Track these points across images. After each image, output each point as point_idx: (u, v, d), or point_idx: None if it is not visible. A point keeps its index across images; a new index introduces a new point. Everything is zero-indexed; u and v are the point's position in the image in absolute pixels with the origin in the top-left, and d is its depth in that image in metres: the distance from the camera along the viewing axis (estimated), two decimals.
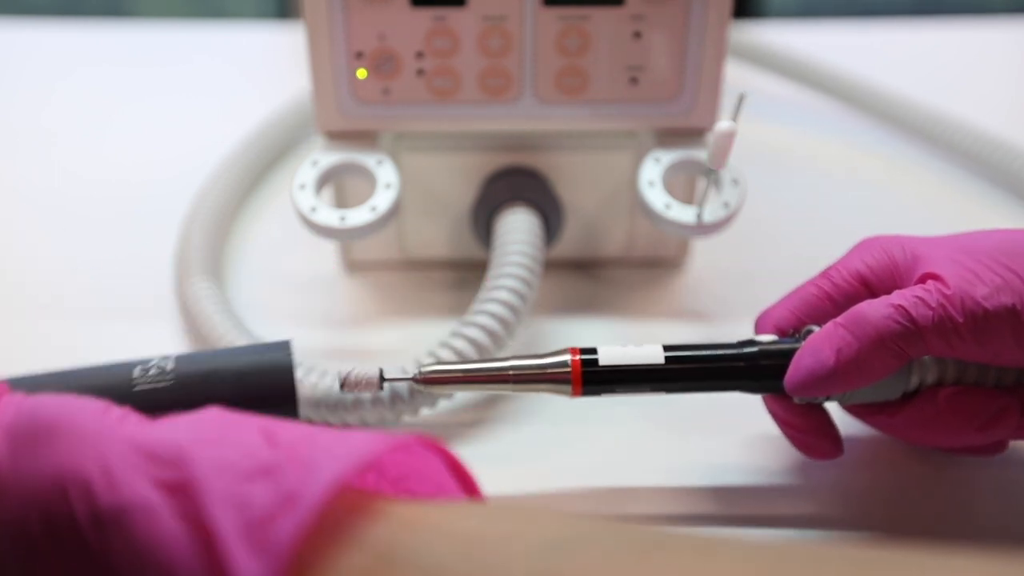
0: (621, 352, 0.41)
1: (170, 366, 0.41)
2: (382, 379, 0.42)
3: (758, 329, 0.44)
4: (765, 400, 0.43)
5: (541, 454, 0.48)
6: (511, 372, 0.41)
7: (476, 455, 0.48)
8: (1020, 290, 0.37)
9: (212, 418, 0.32)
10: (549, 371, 0.41)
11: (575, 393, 0.41)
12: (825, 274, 0.43)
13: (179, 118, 0.76)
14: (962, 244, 0.40)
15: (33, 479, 0.30)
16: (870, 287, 0.42)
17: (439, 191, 0.56)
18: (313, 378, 0.48)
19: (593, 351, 0.41)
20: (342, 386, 0.42)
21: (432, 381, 0.42)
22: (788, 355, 0.41)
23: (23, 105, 0.78)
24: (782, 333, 0.43)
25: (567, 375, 0.41)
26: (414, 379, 0.42)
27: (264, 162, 0.68)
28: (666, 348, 0.42)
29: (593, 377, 0.41)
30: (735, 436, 0.48)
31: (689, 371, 0.41)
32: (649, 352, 0.41)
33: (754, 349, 0.41)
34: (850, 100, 0.74)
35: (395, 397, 0.47)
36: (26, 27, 0.89)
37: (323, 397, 0.47)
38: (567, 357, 0.41)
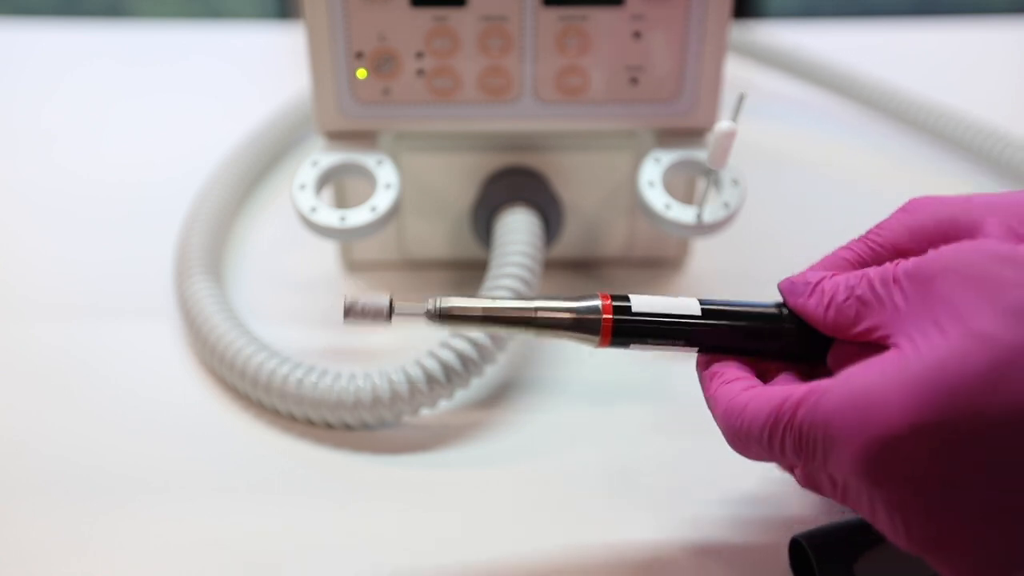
0: (655, 301, 0.38)
1: None
2: (391, 311, 0.37)
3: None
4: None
5: (542, 454, 0.48)
6: (537, 313, 0.38)
7: (476, 455, 0.48)
8: None
9: None
10: (579, 315, 0.38)
11: (603, 343, 0.38)
12: (863, 238, 0.39)
13: (179, 118, 0.76)
14: None
15: None
16: (909, 255, 0.37)
17: (439, 191, 0.56)
18: (313, 378, 0.48)
19: (625, 298, 0.38)
20: (346, 314, 0.37)
21: (449, 317, 0.38)
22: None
23: (23, 105, 0.78)
24: None
25: (596, 322, 0.38)
26: (428, 314, 0.38)
27: (264, 162, 0.68)
28: (702, 302, 0.39)
29: (624, 327, 0.38)
30: None
31: (726, 327, 0.38)
32: (684, 303, 0.38)
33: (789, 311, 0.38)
34: (852, 96, 0.74)
35: (395, 396, 0.47)
36: (26, 27, 0.89)
37: (323, 397, 0.47)
38: (597, 302, 0.38)
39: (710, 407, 0.38)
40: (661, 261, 0.59)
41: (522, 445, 0.49)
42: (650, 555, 0.43)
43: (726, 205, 0.50)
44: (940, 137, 0.69)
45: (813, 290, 0.37)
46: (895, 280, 0.33)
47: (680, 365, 0.52)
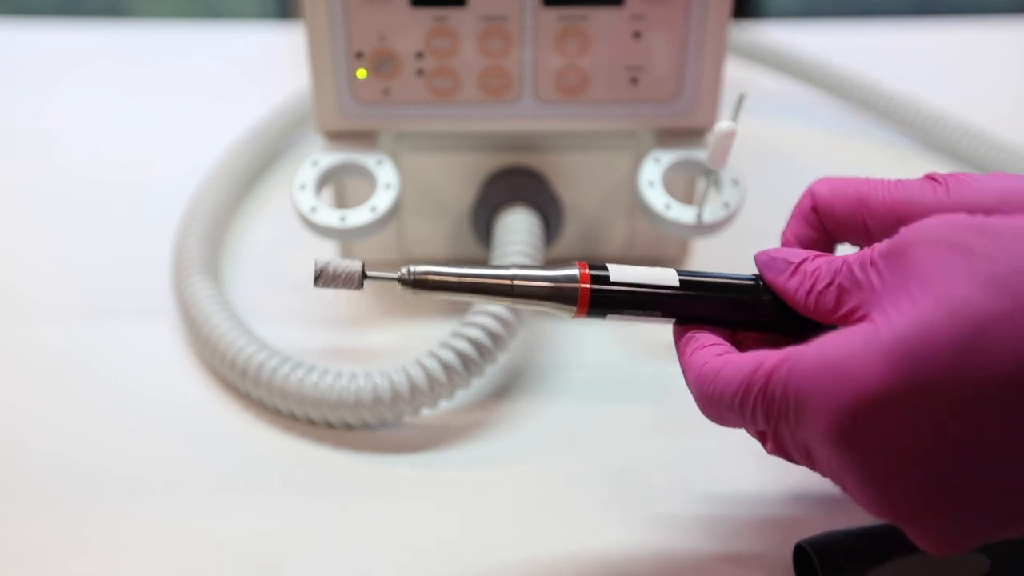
0: (633, 271, 0.38)
1: None
2: (363, 275, 0.37)
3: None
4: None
5: (542, 454, 0.48)
6: (514, 282, 0.37)
7: (476, 455, 0.48)
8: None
9: None
10: (556, 284, 0.37)
11: (580, 312, 0.38)
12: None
13: (179, 118, 0.76)
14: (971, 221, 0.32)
15: None
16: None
17: (439, 191, 0.56)
18: (314, 377, 0.48)
19: (603, 267, 0.38)
20: (317, 278, 0.36)
21: (423, 284, 0.37)
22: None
23: (23, 105, 0.78)
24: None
25: (574, 291, 0.37)
26: (401, 279, 0.37)
27: (262, 161, 0.68)
28: (680, 272, 0.38)
29: (601, 297, 0.37)
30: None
31: (704, 298, 0.38)
32: (662, 274, 0.38)
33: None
34: (850, 98, 0.74)
35: (396, 396, 0.47)
36: (26, 27, 0.89)
37: (323, 397, 0.47)
38: (575, 271, 0.38)
39: (684, 373, 0.37)
40: (661, 261, 0.59)
41: (522, 445, 0.49)
42: (650, 556, 0.43)
43: (726, 205, 0.50)
44: (935, 140, 0.70)
45: (794, 271, 0.37)
46: (872, 262, 0.33)
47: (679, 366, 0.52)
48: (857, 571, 0.39)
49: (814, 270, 0.36)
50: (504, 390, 0.52)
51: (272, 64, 0.82)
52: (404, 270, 0.37)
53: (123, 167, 0.69)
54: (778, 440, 0.35)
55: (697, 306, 0.38)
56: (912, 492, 0.31)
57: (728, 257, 0.59)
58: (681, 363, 0.38)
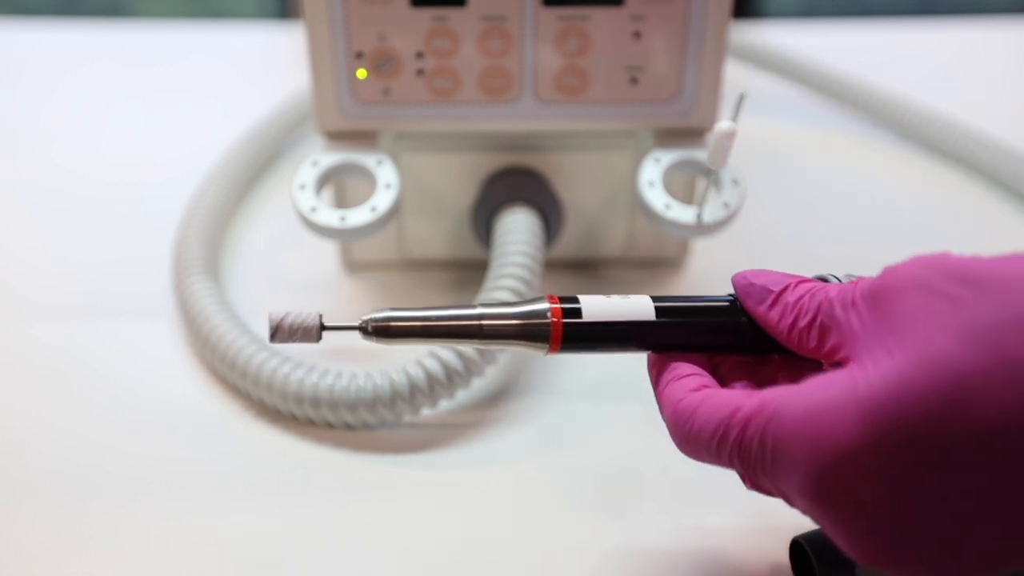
0: (606, 305, 0.36)
1: None
2: (321, 327, 0.35)
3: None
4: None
5: (542, 454, 0.48)
6: (482, 325, 0.36)
7: (476, 455, 0.48)
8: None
9: None
10: (525, 322, 0.36)
11: (552, 350, 0.36)
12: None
13: (179, 118, 0.76)
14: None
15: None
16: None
17: (439, 191, 0.56)
18: (314, 377, 0.48)
19: (574, 300, 0.36)
20: (273, 334, 0.35)
21: (385, 332, 0.35)
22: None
23: (23, 105, 0.78)
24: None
25: (545, 328, 0.36)
26: (362, 328, 0.35)
27: (262, 161, 0.68)
28: (655, 299, 0.37)
29: (575, 334, 0.36)
30: None
31: (681, 327, 0.37)
32: (637, 305, 0.37)
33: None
34: (849, 102, 0.74)
35: (396, 396, 0.47)
36: (26, 27, 0.89)
37: (324, 397, 0.47)
38: (545, 306, 0.36)
39: (659, 405, 0.37)
40: (661, 261, 0.59)
41: (522, 445, 0.49)
42: (650, 555, 0.43)
43: (726, 205, 0.50)
44: (932, 144, 0.70)
45: (775, 301, 0.36)
46: (853, 303, 0.33)
47: None
48: (851, 561, 0.39)
49: (796, 302, 0.35)
50: (504, 390, 0.52)
51: (272, 64, 0.82)
52: (365, 319, 0.36)
53: (123, 167, 0.69)
54: (755, 482, 0.34)
55: (674, 335, 0.37)
56: (890, 542, 0.30)
57: (728, 257, 0.59)
58: (656, 395, 0.37)
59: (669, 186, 0.51)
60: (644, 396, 0.51)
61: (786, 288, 0.36)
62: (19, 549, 0.43)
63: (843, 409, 0.30)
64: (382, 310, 0.36)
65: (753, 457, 0.32)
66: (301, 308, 0.35)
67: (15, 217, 0.65)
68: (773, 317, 0.36)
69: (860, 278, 0.34)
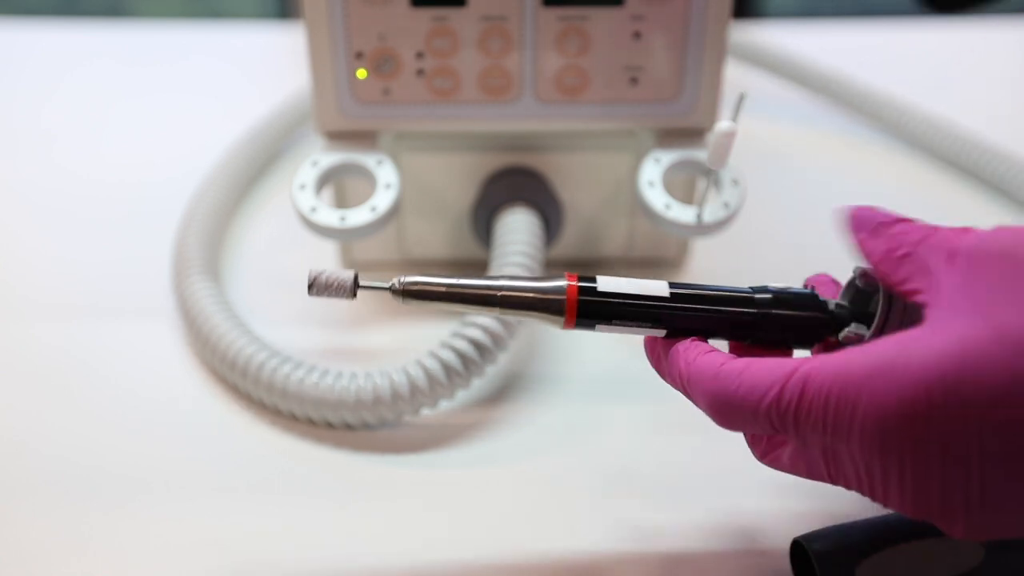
0: (624, 282, 0.38)
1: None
2: (356, 285, 0.37)
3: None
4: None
5: (542, 454, 0.48)
6: (500, 293, 0.37)
7: (476, 455, 0.48)
8: None
9: None
10: (543, 295, 0.37)
11: (568, 323, 0.38)
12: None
13: (179, 118, 0.76)
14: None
15: None
16: None
17: (439, 191, 0.56)
18: (315, 377, 0.48)
19: (592, 279, 0.38)
20: (311, 287, 0.37)
21: (412, 294, 0.37)
22: (805, 304, 0.38)
23: (23, 105, 0.78)
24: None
25: (561, 302, 0.37)
26: (392, 289, 0.37)
27: (262, 161, 0.68)
28: (672, 285, 0.38)
29: (589, 308, 0.37)
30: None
31: (697, 311, 0.38)
32: (653, 285, 0.38)
33: (767, 295, 0.38)
34: (848, 104, 0.74)
35: (396, 396, 0.47)
36: (26, 27, 0.89)
37: (323, 397, 0.47)
38: (563, 283, 0.38)
39: (685, 381, 0.37)
40: (661, 261, 0.59)
41: (522, 445, 0.49)
42: (650, 555, 0.43)
43: (726, 205, 0.50)
44: (930, 147, 0.70)
45: (877, 231, 0.36)
46: (951, 255, 0.33)
47: None
48: (851, 562, 0.39)
49: (898, 233, 0.36)
50: (504, 390, 0.52)
51: (272, 64, 0.82)
52: (395, 280, 0.38)
53: (123, 167, 0.69)
54: (802, 450, 0.35)
55: (688, 316, 0.38)
56: (949, 494, 0.31)
57: (728, 257, 0.59)
58: (681, 370, 0.37)
59: (669, 186, 0.51)
60: (644, 396, 0.51)
61: (896, 222, 0.36)
62: (19, 549, 0.43)
63: (914, 369, 0.31)
64: (412, 274, 0.38)
65: (813, 416, 0.33)
66: (338, 270, 0.38)
67: (15, 217, 0.65)
68: (870, 244, 0.36)
69: (968, 229, 0.34)
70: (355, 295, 0.37)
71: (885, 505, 0.33)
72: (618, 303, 0.37)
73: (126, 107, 0.77)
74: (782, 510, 0.45)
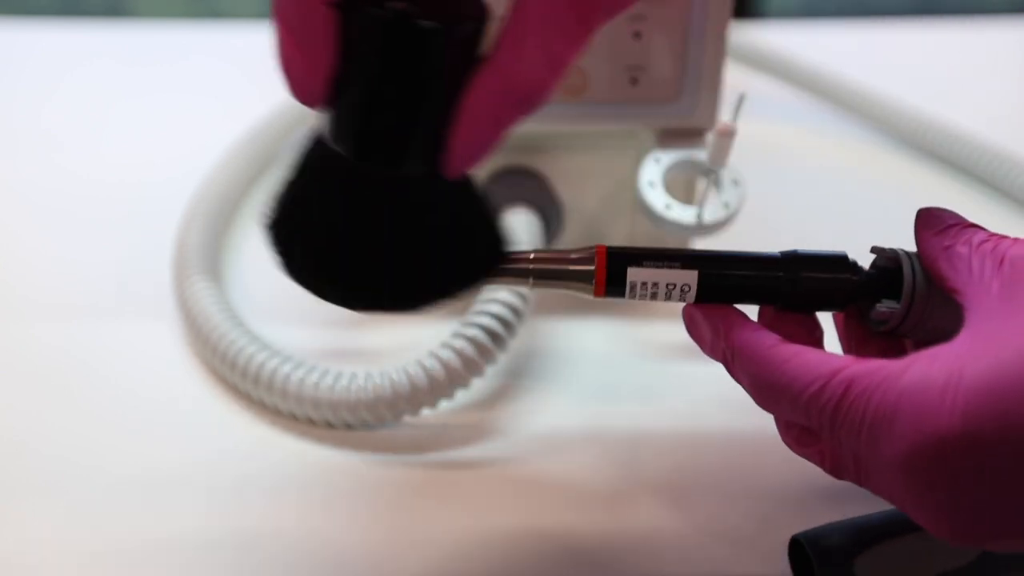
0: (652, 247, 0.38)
1: None
2: None
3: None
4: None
5: (542, 454, 0.48)
6: (532, 256, 0.38)
7: (476, 455, 0.48)
8: None
9: None
10: (574, 256, 0.38)
11: (599, 275, 0.37)
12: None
13: (179, 118, 0.76)
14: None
15: None
16: None
17: None
18: (315, 377, 0.48)
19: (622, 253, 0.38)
20: None
21: None
22: (835, 267, 0.38)
23: (23, 105, 0.78)
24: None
25: (590, 255, 0.38)
26: None
27: (262, 161, 0.68)
28: (698, 260, 0.38)
29: (618, 255, 0.37)
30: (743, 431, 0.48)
31: (727, 257, 0.38)
32: (683, 275, 0.38)
33: (797, 256, 0.38)
34: (848, 107, 0.74)
35: (396, 396, 0.47)
36: (26, 27, 0.89)
37: (324, 397, 0.47)
38: (593, 247, 0.38)
39: (730, 356, 0.37)
40: None
41: (522, 445, 0.49)
42: (650, 555, 0.43)
43: (726, 205, 0.50)
44: (930, 149, 0.70)
45: (943, 231, 0.36)
46: (1000, 261, 0.33)
47: (680, 366, 0.52)
48: (849, 560, 0.39)
49: (959, 233, 0.36)
50: (504, 390, 0.52)
51: (272, 64, 0.82)
52: None
53: (123, 167, 0.69)
54: (833, 448, 0.35)
55: (720, 270, 0.38)
56: (978, 519, 0.31)
57: None
58: (728, 344, 0.37)
59: (669, 186, 0.51)
60: (644, 396, 0.51)
61: (957, 224, 0.36)
62: (19, 549, 0.43)
63: (949, 391, 0.30)
64: None
65: (850, 420, 0.32)
66: None
67: (15, 217, 0.65)
68: (931, 241, 0.36)
69: (1014, 241, 0.34)
70: None
71: (916, 522, 0.33)
72: (648, 249, 0.38)
73: (126, 107, 0.77)
74: (780, 508, 0.45)
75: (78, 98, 0.78)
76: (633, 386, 0.52)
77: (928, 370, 0.31)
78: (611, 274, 0.38)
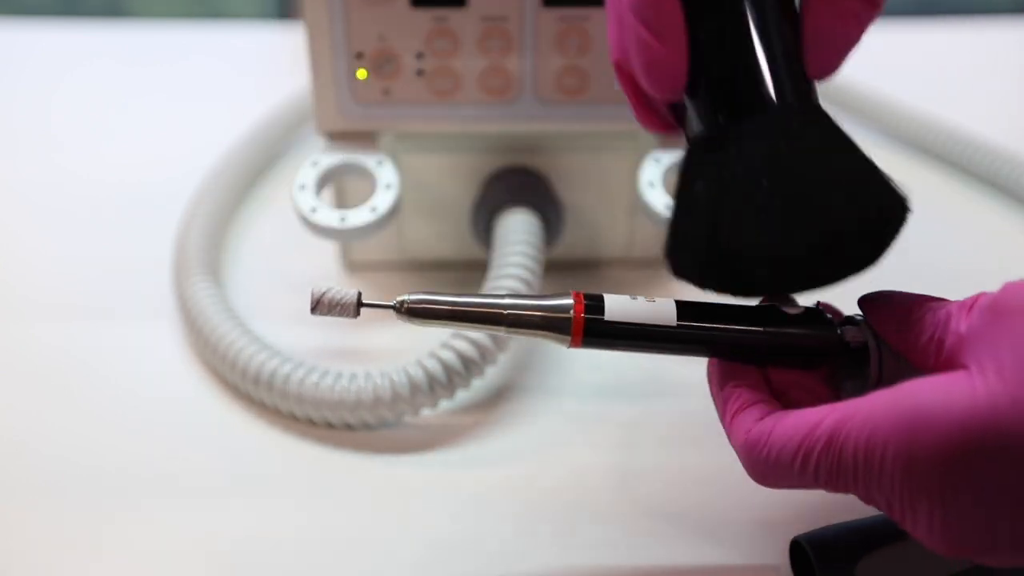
0: (630, 306, 0.37)
1: None
2: (359, 304, 0.37)
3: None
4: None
5: (542, 455, 0.48)
6: (506, 312, 0.37)
7: (476, 455, 0.48)
8: None
9: None
10: (548, 314, 0.37)
11: (574, 343, 0.37)
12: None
13: (179, 118, 0.76)
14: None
15: None
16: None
17: (439, 191, 0.56)
18: (315, 378, 0.48)
19: (599, 299, 0.37)
20: (314, 307, 0.37)
21: (416, 313, 0.37)
22: (817, 323, 0.37)
23: (23, 105, 0.78)
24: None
25: (567, 322, 0.37)
26: (396, 308, 0.37)
27: (262, 161, 0.68)
28: (680, 305, 0.38)
29: (596, 328, 0.37)
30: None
31: (702, 338, 0.37)
32: (661, 309, 0.38)
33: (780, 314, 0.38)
34: (848, 107, 0.74)
35: (396, 396, 0.47)
36: (26, 27, 0.89)
37: (323, 397, 0.47)
38: (569, 301, 0.37)
39: (726, 432, 0.37)
40: (661, 261, 0.59)
41: (522, 446, 0.49)
42: (650, 556, 0.43)
43: None
44: (931, 150, 0.70)
45: (900, 326, 0.36)
46: (969, 311, 0.33)
47: (680, 367, 0.52)
48: (851, 561, 0.39)
49: (931, 326, 0.35)
50: (504, 391, 0.52)
51: (272, 64, 0.82)
52: (399, 299, 0.37)
53: (123, 167, 0.69)
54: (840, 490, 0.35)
55: (697, 345, 0.38)
56: (983, 533, 0.31)
57: None
58: (723, 420, 0.37)
59: (669, 186, 0.51)
60: (644, 396, 0.51)
61: (910, 310, 0.36)
62: (19, 549, 0.43)
63: (942, 415, 0.30)
64: (416, 292, 0.37)
65: (844, 466, 0.32)
66: (342, 286, 0.38)
67: (15, 217, 0.65)
68: (897, 340, 0.36)
69: (980, 294, 0.34)
70: (359, 314, 0.37)
71: (922, 542, 0.33)
72: (626, 326, 0.37)
73: (126, 107, 0.77)
74: (781, 510, 0.45)
75: (78, 98, 0.78)
76: (633, 386, 0.52)
77: (916, 399, 0.31)
78: (587, 340, 0.37)
